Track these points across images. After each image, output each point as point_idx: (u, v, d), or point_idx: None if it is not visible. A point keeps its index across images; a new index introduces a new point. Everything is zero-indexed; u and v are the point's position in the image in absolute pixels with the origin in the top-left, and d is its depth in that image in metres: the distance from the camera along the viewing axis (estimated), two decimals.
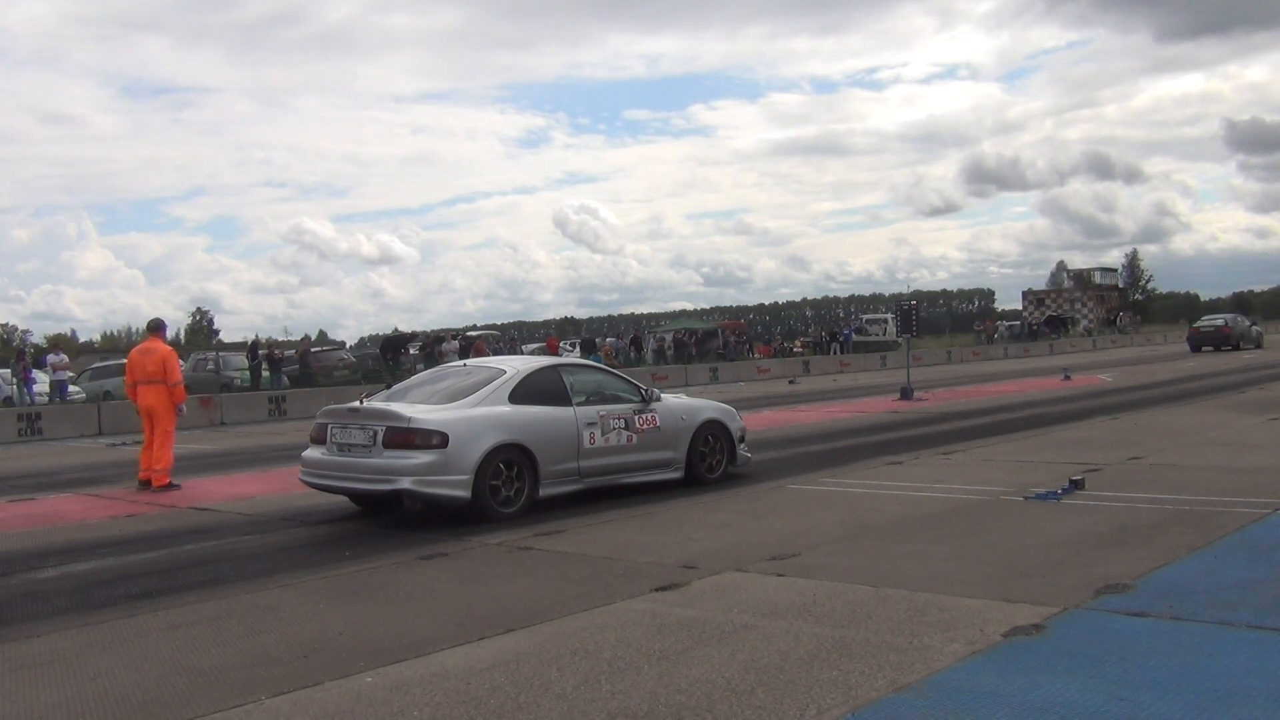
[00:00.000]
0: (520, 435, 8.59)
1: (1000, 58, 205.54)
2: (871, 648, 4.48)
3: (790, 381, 34.14)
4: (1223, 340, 40.12)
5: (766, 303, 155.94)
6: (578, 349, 42.55)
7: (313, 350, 38.33)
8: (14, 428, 21.94)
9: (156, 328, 12.56)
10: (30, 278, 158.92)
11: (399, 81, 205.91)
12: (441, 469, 8.12)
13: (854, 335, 53.75)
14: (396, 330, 42.74)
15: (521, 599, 5.74)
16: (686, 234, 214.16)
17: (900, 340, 31.53)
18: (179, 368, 12.13)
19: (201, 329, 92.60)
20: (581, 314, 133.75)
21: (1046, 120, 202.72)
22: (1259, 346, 40.88)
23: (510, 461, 8.47)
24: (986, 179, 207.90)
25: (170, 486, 11.40)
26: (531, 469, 8.61)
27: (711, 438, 10.18)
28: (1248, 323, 43.56)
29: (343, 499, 9.24)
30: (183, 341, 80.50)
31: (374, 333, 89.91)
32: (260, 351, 34.12)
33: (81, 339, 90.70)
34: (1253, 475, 8.99)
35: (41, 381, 27.52)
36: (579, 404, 9.20)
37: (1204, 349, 39.92)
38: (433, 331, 46.51)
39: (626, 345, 45.94)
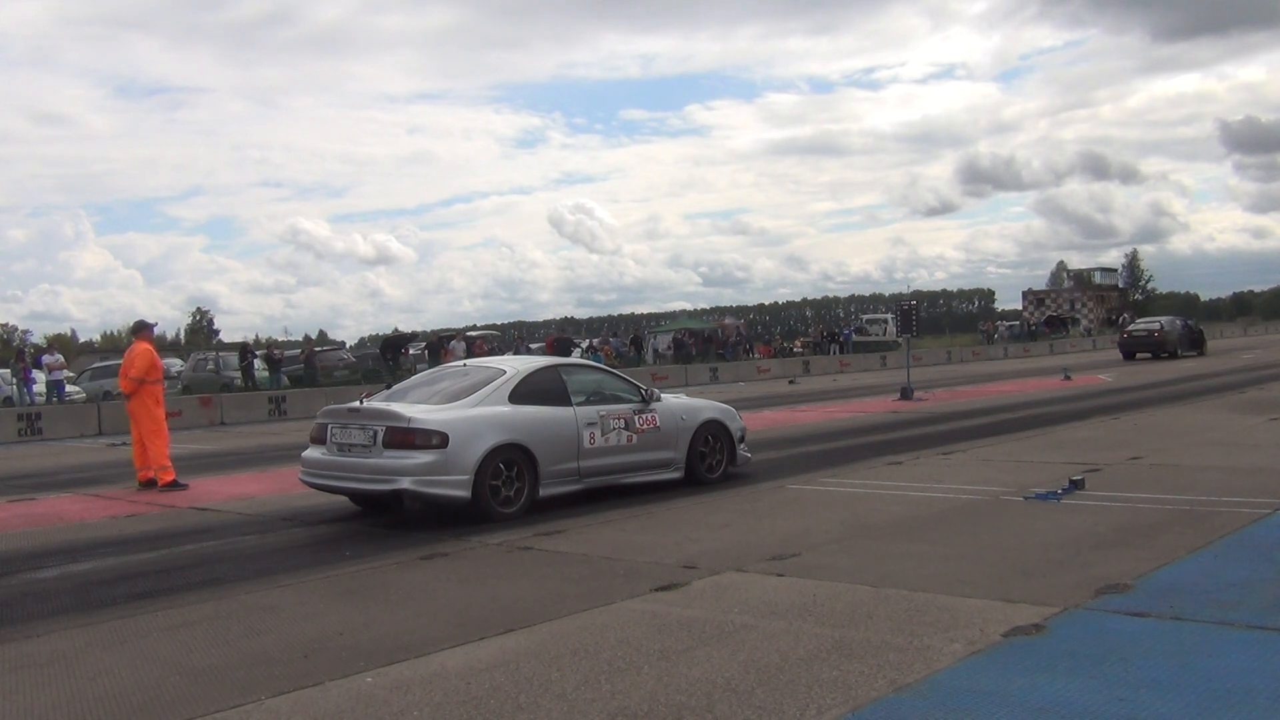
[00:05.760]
0: (520, 435, 8.59)
1: (995, 58, 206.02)
2: (871, 648, 4.48)
3: (790, 381, 34.13)
4: (1157, 347, 35.19)
5: (766, 303, 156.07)
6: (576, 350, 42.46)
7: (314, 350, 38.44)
8: (14, 428, 21.95)
9: (136, 330, 12.35)
10: (27, 277, 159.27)
11: (393, 81, 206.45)
12: (441, 469, 8.12)
13: (854, 335, 53.77)
14: (396, 330, 42.78)
15: (521, 599, 5.74)
16: (684, 234, 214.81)
17: (900, 340, 31.53)
18: (145, 364, 11.66)
19: (201, 329, 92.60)
20: (580, 314, 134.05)
21: (1042, 120, 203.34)
22: (1201, 353, 37.06)
23: (510, 461, 8.46)
24: (982, 179, 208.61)
25: (176, 485, 11.32)
26: (531, 469, 8.61)
27: (711, 438, 10.18)
28: (1180, 325, 38.13)
29: (343, 499, 9.24)
30: (183, 341, 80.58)
31: (373, 333, 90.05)
32: (258, 352, 34.15)
33: (81, 339, 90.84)
34: (1253, 475, 8.99)
35: (40, 381, 27.54)
36: (579, 404, 9.19)
37: (1139, 356, 35.21)
38: (434, 331, 46.53)
39: (627, 345, 45.90)
